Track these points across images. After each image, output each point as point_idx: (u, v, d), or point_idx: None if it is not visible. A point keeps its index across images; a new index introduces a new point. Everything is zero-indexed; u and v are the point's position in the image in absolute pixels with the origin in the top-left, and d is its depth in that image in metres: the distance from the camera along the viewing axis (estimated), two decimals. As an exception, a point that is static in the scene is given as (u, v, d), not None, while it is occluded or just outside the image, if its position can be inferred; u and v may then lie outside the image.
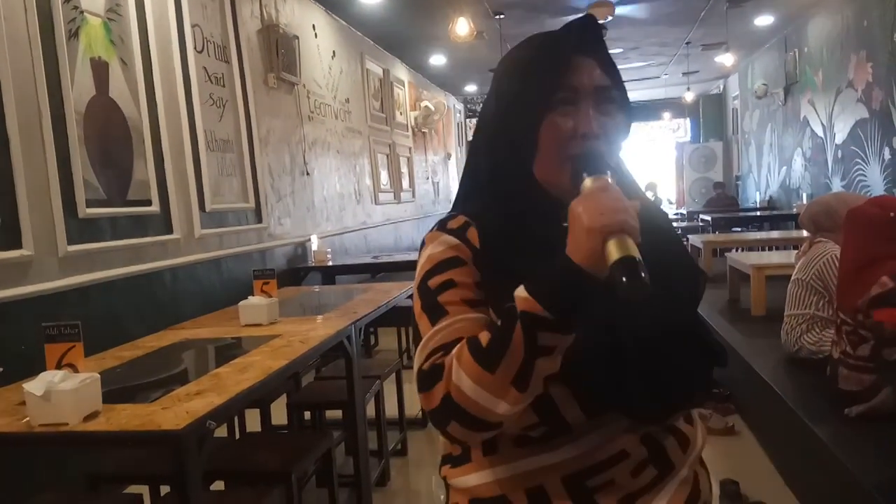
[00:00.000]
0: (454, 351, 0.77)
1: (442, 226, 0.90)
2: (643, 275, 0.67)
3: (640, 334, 0.80)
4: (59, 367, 1.60)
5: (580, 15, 0.90)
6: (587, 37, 0.87)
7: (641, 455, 0.84)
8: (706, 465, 0.97)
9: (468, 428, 0.77)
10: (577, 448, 0.83)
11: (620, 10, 6.89)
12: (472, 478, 0.88)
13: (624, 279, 0.67)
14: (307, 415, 3.14)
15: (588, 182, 0.77)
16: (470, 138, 0.94)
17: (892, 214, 2.31)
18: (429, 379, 0.78)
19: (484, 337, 0.75)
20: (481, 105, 0.98)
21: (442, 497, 0.93)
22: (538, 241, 0.83)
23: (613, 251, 0.69)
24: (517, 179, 0.88)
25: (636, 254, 0.68)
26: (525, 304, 0.72)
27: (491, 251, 0.85)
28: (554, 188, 0.86)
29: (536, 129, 0.85)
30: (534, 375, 0.73)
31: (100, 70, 3.25)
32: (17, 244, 2.70)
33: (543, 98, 0.84)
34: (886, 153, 5.83)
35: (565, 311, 0.71)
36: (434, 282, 0.85)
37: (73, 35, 3.07)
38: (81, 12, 3.13)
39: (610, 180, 0.76)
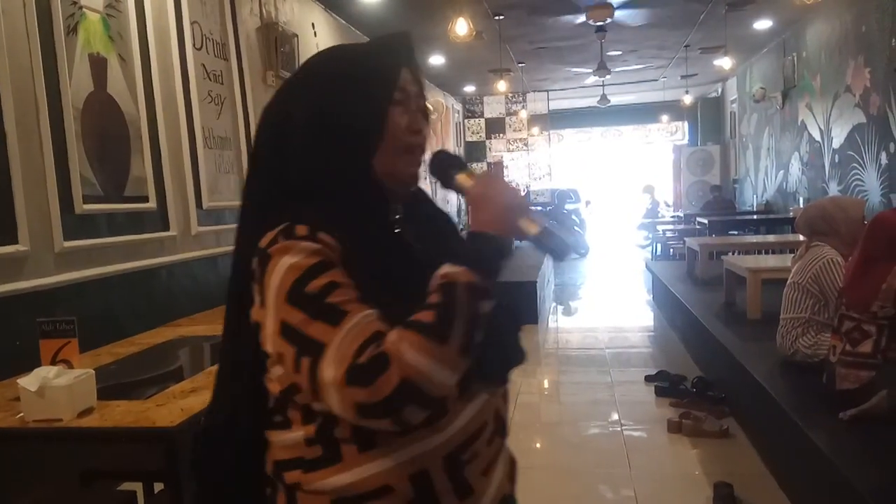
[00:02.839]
0: (391, 339, 0.77)
1: (288, 235, 0.85)
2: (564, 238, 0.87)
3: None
4: (53, 362, 1.60)
5: (398, 32, 1.00)
6: (411, 48, 0.99)
7: (494, 425, 0.93)
8: None
9: (426, 408, 0.78)
10: (456, 425, 0.87)
11: (620, 13, 6.89)
12: (344, 477, 0.86)
13: (554, 244, 0.86)
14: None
15: (479, 172, 0.96)
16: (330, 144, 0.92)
17: None
18: (370, 372, 0.76)
19: (425, 316, 0.78)
20: (281, 116, 0.96)
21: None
22: (387, 239, 0.91)
23: (531, 225, 0.86)
24: (355, 173, 0.92)
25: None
26: (465, 276, 0.79)
27: (350, 253, 0.85)
28: (391, 178, 0.94)
29: (383, 123, 0.92)
30: (474, 343, 0.79)
31: (98, 66, 3.24)
32: (13, 239, 2.69)
33: (389, 96, 0.93)
34: (883, 158, 5.85)
35: (496, 278, 0.81)
36: (313, 287, 0.81)
37: (72, 30, 3.07)
38: (80, 8, 3.12)
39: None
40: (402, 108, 0.94)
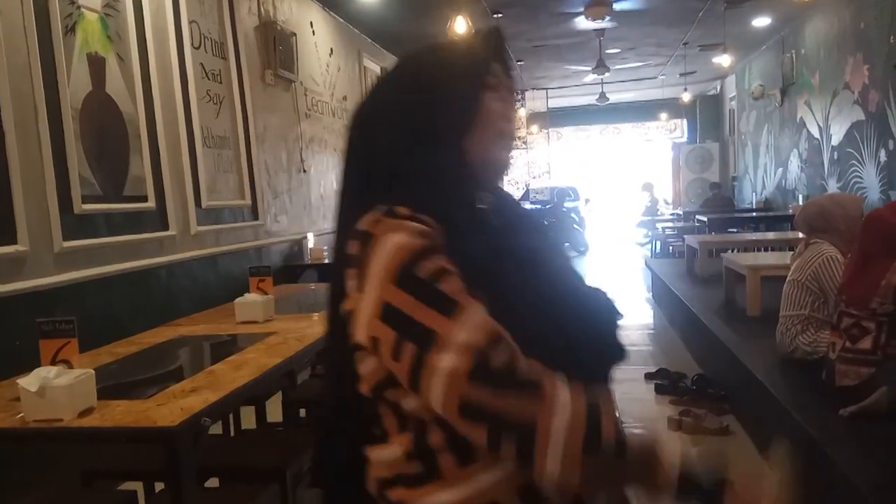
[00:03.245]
0: (559, 384, 0.74)
1: (393, 214, 0.81)
2: None
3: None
4: (53, 362, 1.60)
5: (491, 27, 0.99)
6: (502, 43, 0.97)
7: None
8: None
9: (518, 458, 0.75)
10: None
11: (618, 10, 6.89)
12: (448, 494, 0.82)
13: None
14: (302, 412, 3.14)
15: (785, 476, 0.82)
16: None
17: None
18: (509, 382, 0.73)
19: (608, 426, 0.74)
20: (373, 107, 0.95)
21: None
22: (478, 224, 0.88)
23: None
24: (449, 154, 0.89)
25: None
26: (667, 479, 0.76)
27: (449, 237, 0.82)
28: (484, 163, 0.92)
29: (477, 103, 0.90)
30: (584, 479, 0.74)
31: (96, 65, 3.23)
32: (12, 239, 2.69)
33: (483, 77, 0.92)
34: (882, 155, 5.85)
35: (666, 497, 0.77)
36: (424, 270, 0.77)
37: (70, 30, 3.06)
38: (78, 7, 3.12)
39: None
40: (495, 93, 0.92)
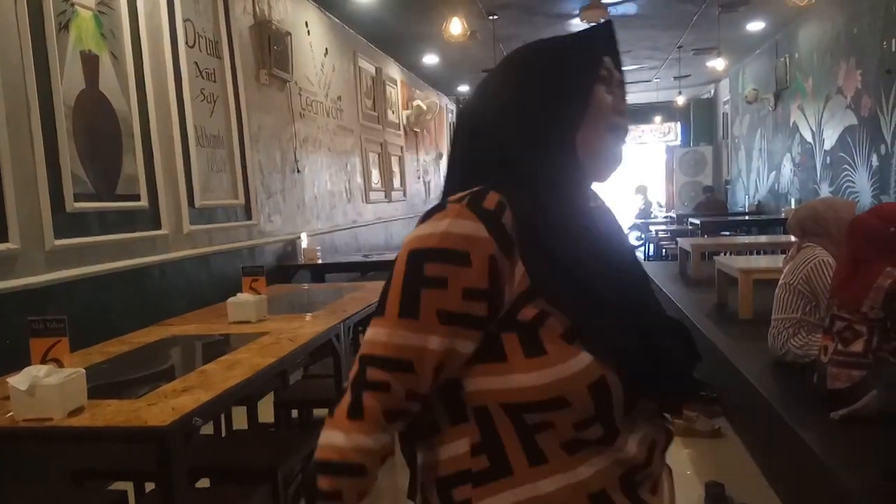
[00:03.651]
0: (339, 443, 0.80)
1: (476, 202, 0.80)
2: None
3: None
4: (44, 361, 1.59)
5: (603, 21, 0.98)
6: (613, 37, 0.95)
7: (664, 443, 0.88)
8: None
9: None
10: (628, 442, 0.82)
11: (613, 14, 6.91)
12: (520, 492, 0.80)
13: None
14: (294, 413, 3.14)
15: None
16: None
17: (892, 229, 2.38)
18: (354, 386, 0.81)
19: (323, 482, 0.80)
20: (481, 101, 0.94)
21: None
22: (576, 221, 0.86)
23: None
24: (560, 144, 0.87)
25: None
26: None
27: (533, 235, 0.81)
28: (595, 156, 0.90)
29: (588, 96, 0.89)
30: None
31: (90, 63, 3.22)
32: (4, 237, 2.68)
33: (594, 70, 0.90)
34: (874, 160, 5.89)
35: None
36: (431, 270, 0.78)
37: (64, 27, 3.05)
38: (72, 5, 3.11)
39: None
40: (606, 87, 0.91)
